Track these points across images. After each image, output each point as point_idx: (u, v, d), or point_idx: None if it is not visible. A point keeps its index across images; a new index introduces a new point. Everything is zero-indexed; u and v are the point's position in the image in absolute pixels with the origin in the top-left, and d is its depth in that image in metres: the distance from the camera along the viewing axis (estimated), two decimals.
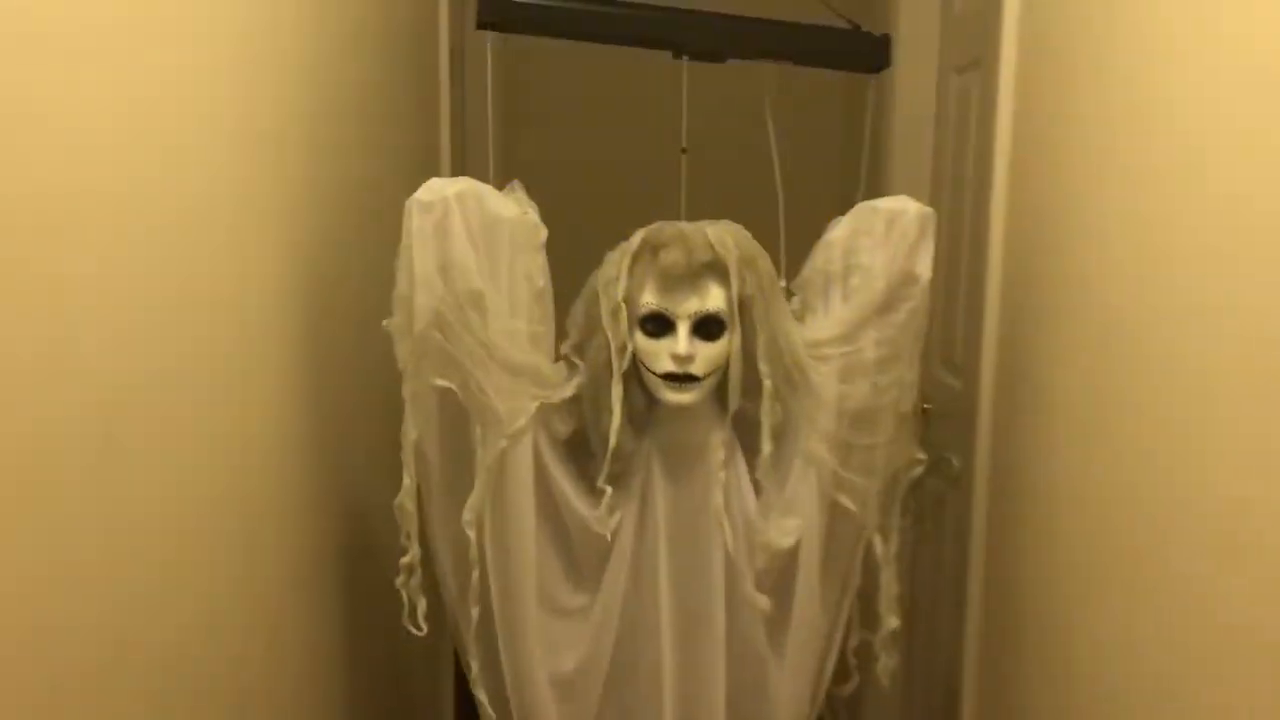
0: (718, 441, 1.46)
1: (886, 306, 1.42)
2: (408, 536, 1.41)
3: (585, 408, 1.44)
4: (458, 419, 1.40)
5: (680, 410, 1.42)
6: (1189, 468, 1.03)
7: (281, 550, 1.28)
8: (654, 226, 1.42)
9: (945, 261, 2.18)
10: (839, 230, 1.46)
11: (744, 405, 1.45)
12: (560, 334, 1.45)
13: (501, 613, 1.43)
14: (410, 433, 1.38)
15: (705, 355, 1.38)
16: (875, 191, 2.49)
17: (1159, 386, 1.11)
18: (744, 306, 1.40)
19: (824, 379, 1.42)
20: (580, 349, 1.44)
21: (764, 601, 1.45)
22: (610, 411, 1.39)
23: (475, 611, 1.41)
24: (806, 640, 1.49)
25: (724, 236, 1.39)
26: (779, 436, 1.45)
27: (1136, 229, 1.17)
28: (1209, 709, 1.00)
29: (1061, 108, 1.44)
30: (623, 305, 1.39)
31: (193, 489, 1.00)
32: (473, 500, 1.38)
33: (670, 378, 1.38)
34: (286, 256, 1.26)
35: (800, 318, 1.49)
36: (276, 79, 1.21)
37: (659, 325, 1.39)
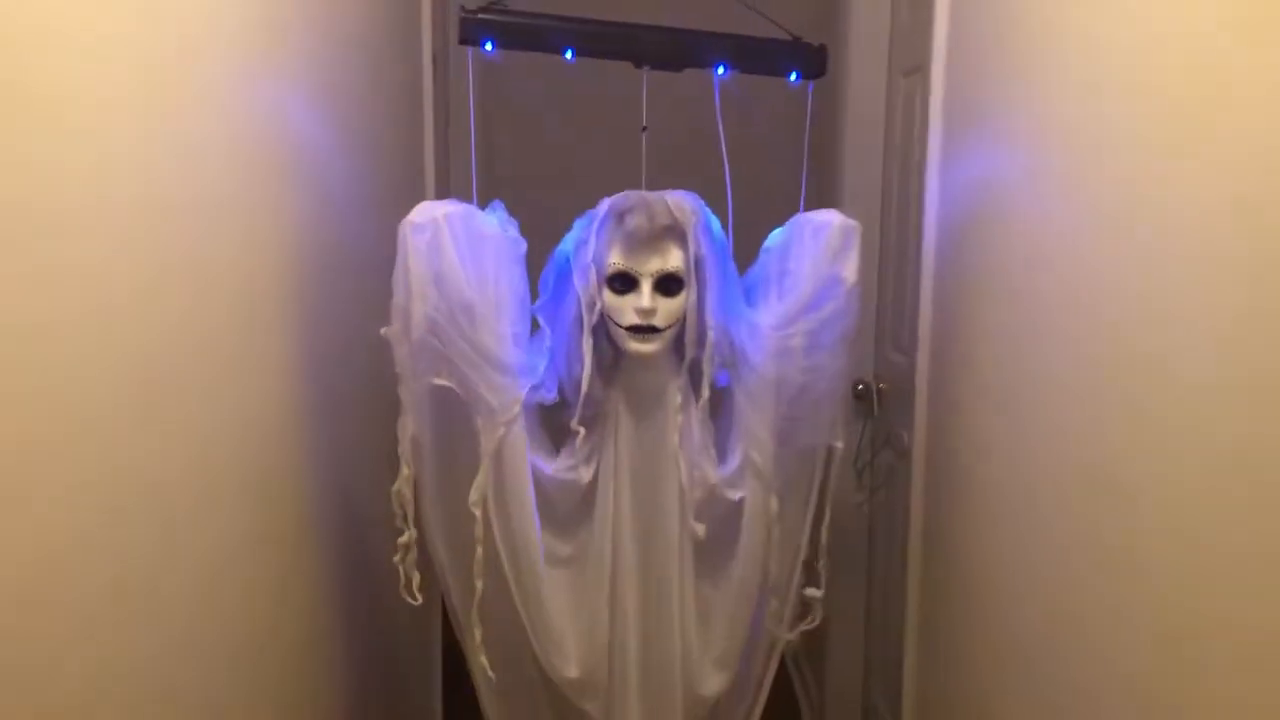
0: (675, 388, 1.63)
1: (814, 304, 1.58)
2: (404, 519, 1.54)
3: (558, 361, 1.59)
4: (448, 414, 1.54)
5: (643, 359, 1.58)
6: (1076, 426, 1.20)
7: (286, 505, 1.42)
8: (619, 195, 1.56)
9: (896, 251, 2.36)
10: (775, 239, 1.63)
11: (697, 357, 1.60)
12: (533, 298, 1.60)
13: (515, 576, 1.57)
14: (408, 428, 1.51)
15: (665, 309, 1.54)
16: (829, 185, 2.67)
17: (1055, 359, 1.26)
18: (698, 265, 1.56)
19: (760, 353, 1.59)
20: (550, 309, 1.59)
21: (700, 530, 1.61)
22: (582, 362, 1.55)
23: (480, 584, 1.55)
24: (747, 571, 1.66)
25: (682, 202, 1.55)
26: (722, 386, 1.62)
27: (1037, 221, 1.33)
28: (1095, 624, 1.17)
29: (981, 111, 1.60)
30: (592, 265, 1.54)
31: (214, 449, 1.16)
32: (478, 481, 1.51)
33: (635, 330, 1.54)
34: (289, 252, 1.40)
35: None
36: (279, 84, 1.35)
37: (624, 283, 1.54)
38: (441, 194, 2.44)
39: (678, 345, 1.61)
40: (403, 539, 1.54)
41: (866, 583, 2.63)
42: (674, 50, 1.58)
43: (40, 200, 0.81)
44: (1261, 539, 0.84)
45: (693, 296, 1.56)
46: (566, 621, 1.63)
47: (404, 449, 1.52)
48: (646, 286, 1.53)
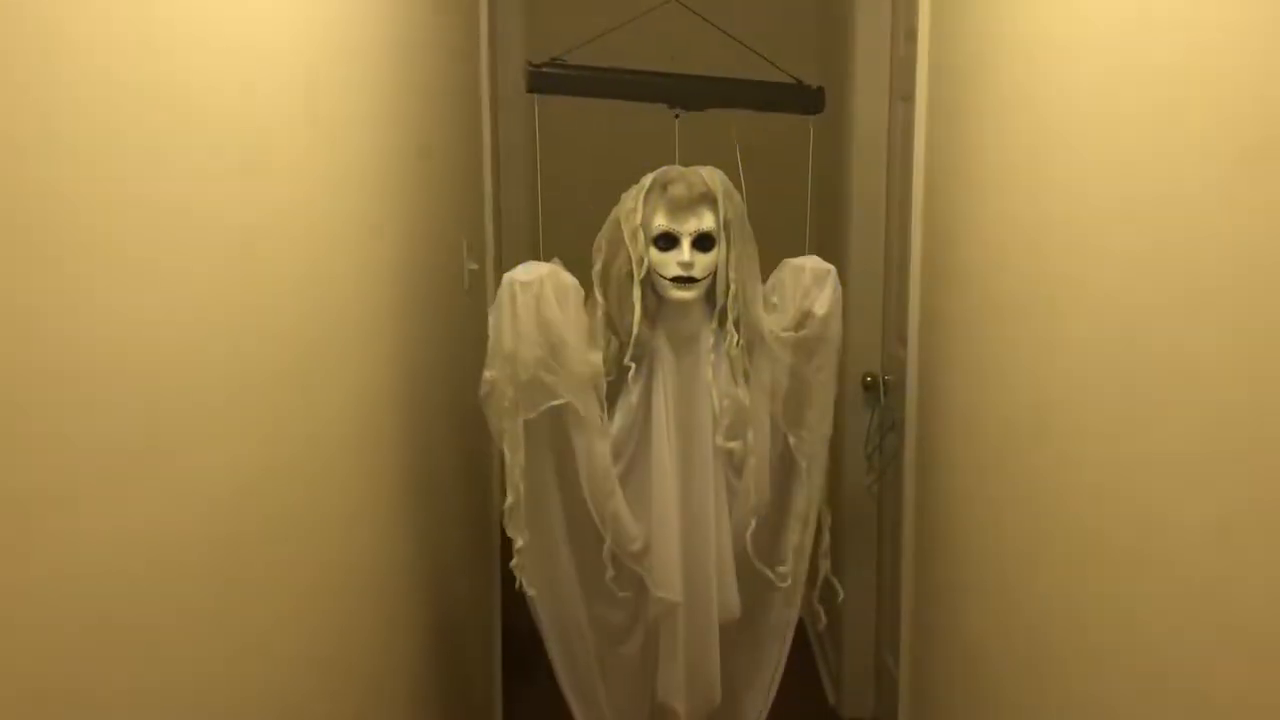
0: (708, 331, 1.98)
1: (796, 328, 1.95)
2: (515, 529, 1.90)
3: (612, 310, 1.92)
4: (539, 437, 1.91)
5: (683, 306, 1.93)
6: (1040, 406, 1.42)
7: (394, 469, 1.75)
8: (661, 169, 1.92)
9: (899, 255, 2.67)
10: (770, 278, 2.00)
11: (726, 304, 1.95)
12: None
13: (598, 509, 1.93)
14: (518, 458, 1.86)
15: (702, 262, 1.89)
16: (840, 200, 2.98)
17: (1021, 348, 1.50)
18: (726, 227, 1.90)
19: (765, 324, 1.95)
20: (605, 270, 1.93)
21: (736, 446, 1.97)
22: (632, 310, 1.89)
23: (608, 537, 1.92)
24: (758, 467, 2.00)
25: (712, 175, 1.91)
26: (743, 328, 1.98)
27: (1006, 227, 1.58)
28: (1047, 564, 1.46)
29: (955, 133, 1.90)
30: (640, 229, 1.88)
31: (352, 413, 1.50)
32: (582, 472, 1.89)
33: (677, 280, 1.89)
34: (391, 269, 1.73)
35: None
36: (379, 132, 1.70)
37: (668, 242, 1.89)
38: (498, 221, 2.80)
39: (709, 296, 1.95)
40: (519, 545, 1.90)
41: (877, 556, 2.93)
42: (698, 94, 1.93)
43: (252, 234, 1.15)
44: (1215, 507, 1.13)
45: (723, 253, 1.90)
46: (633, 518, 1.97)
47: (515, 473, 1.86)
48: (686, 244, 1.87)
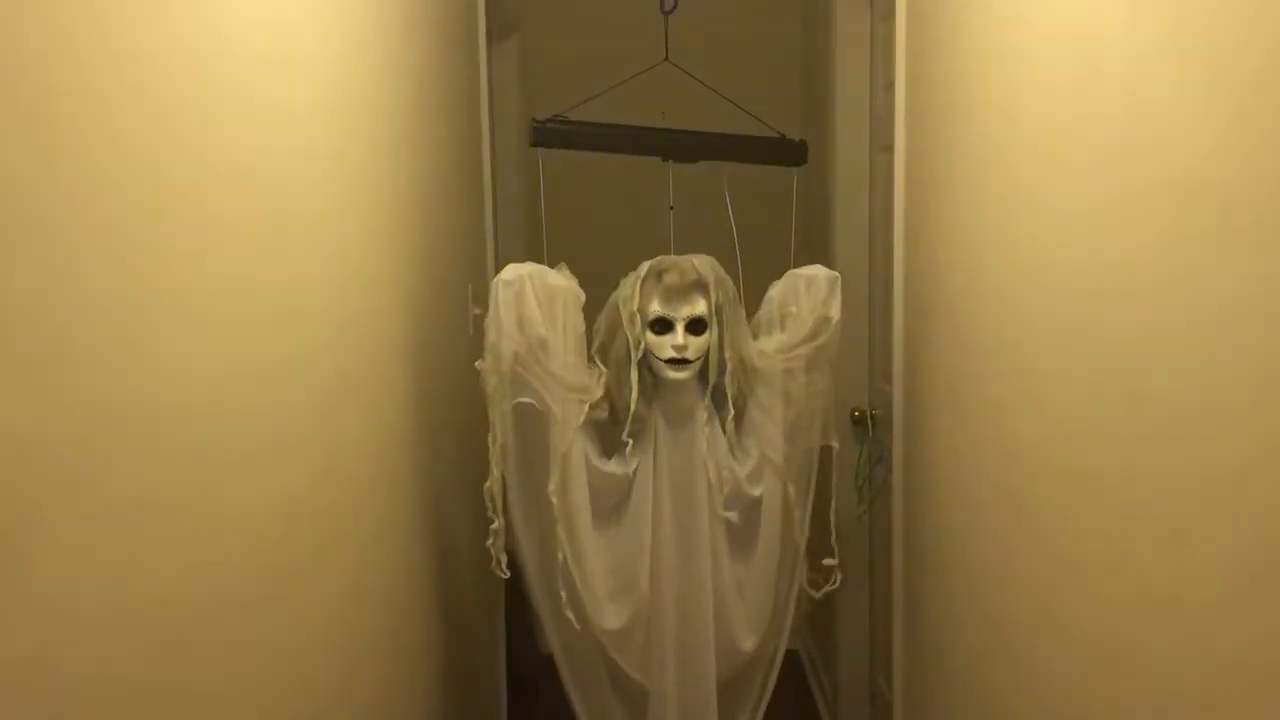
0: (701, 408, 2.11)
1: (812, 336, 2.07)
2: (494, 510, 1.98)
3: (610, 388, 2.04)
4: (524, 430, 2.00)
5: (677, 385, 2.06)
6: (1008, 434, 1.55)
7: (408, 501, 1.86)
8: (656, 259, 2.06)
9: (884, 296, 2.79)
10: (775, 290, 2.13)
11: (719, 383, 2.07)
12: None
13: (570, 545, 2.01)
14: (497, 439, 1.96)
15: (694, 345, 2.02)
16: (822, 244, 3.11)
17: (991, 382, 1.63)
18: (718, 312, 2.03)
19: (768, 364, 2.06)
20: (605, 348, 2.06)
21: (734, 516, 2.09)
22: (630, 388, 2.02)
23: (561, 555, 1.99)
24: (771, 545, 2.12)
25: (704, 264, 2.05)
26: (738, 404, 2.09)
27: (977, 272, 1.69)
28: (1021, 582, 1.57)
29: (932, 181, 2.02)
30: (637, 314, 2.02)
31: (372, 451, 1.60)
32: (555, 478, 1.96)
33: (671, 362, 2.02)
34: (404, 318, 1.85)
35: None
36: (398, 188, 1.82)
37: (663, 326, 2.03)
38: (499, 266, 2.92)
39: (703, 374, 2.08)
40: (494, 526, 1.98)
41: (869, 582, 3.03)
42: (690, 147, 2.06)
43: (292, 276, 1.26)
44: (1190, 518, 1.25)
45: (714, 335, 2.02)
46: (607, 582, 2.06)
47: (494, 456, 1.96)
48: (680, 328, 2.01)
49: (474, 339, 2.47)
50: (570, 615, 2.01)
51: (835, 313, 2.06)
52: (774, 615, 2.18)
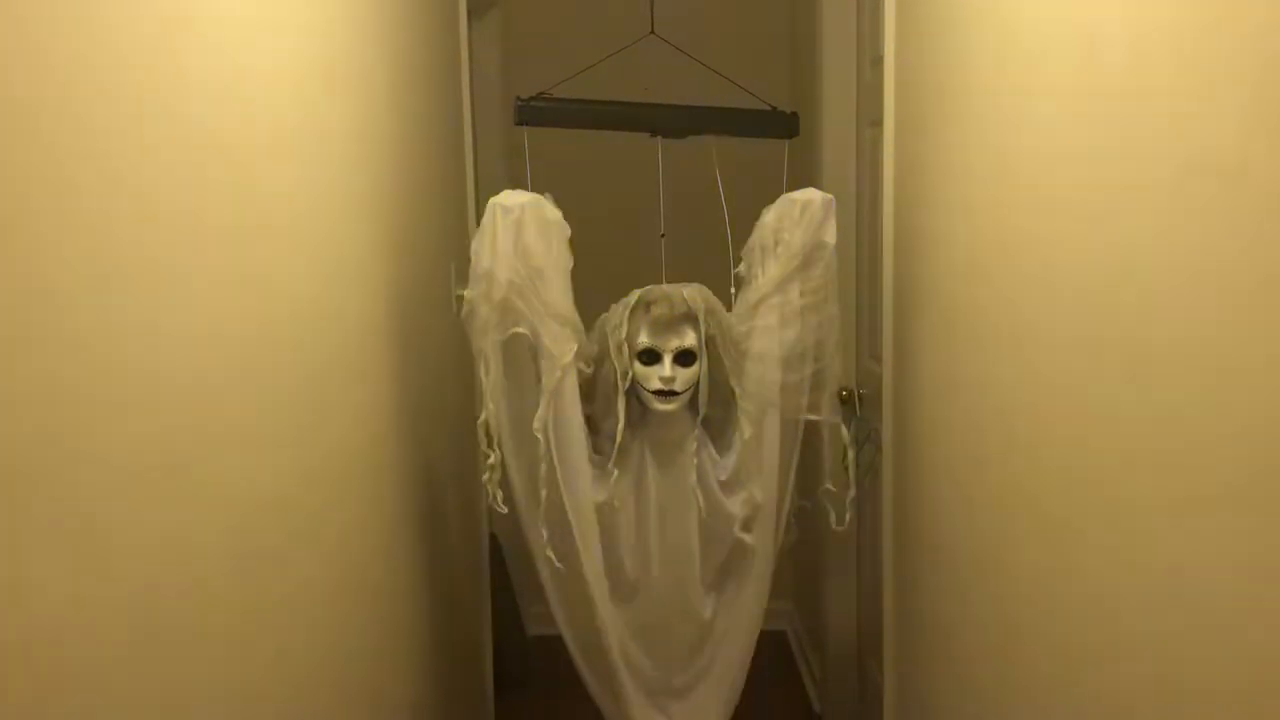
0: (692, 438, 2.07)
1: (806, 265, 2.01)
2: (489, 444, 1.91)
3: (597, 415, 2.01)
4: (519, 363, 1.94)
5: (665, 416, 2.02)
6: (1008, 411, 1.52)
7: (394, 486, 1.82)
8: (645, 289, 2.03)
9: (869, 272, 2.77)
10: (768, 215, 2.05)
11: (708, 414, 2.05)
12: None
13: (564, 479, 1.94)
14: (492, 372, 1.88)
15: (683, 376, 1.99)
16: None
17: (989, 357, 1.60)
18: (708, 342, 2.00)
19: (766, 335, 2.01)
20: (592, 377, 2.02)
21: (748, 537, 2.08)
22: (617, 417, 1.98)
23: (544, 492, 1.92)
24: (762, 568, 2.11)
25: (694, 295, 2.01)
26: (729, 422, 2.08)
27: (973, 245, 1.67)
28: (1021, 563, 1.55)
29: (923, 155, 1.99)
30: (625, 343, 1.98)
31: (357, 434, 1.57)
32: (540, 413, 1.89)
33: (659, 393, 1.99)
34: (388, 297, 1.81)
35: (746, 280, 2.09)
36: (379, 168, 1.77)
37: (651, 357, 1.99)
38: None
39: (692, 403, 2.05)
40: (490, 460, 1.92)
41: (857, 564, 3.02)
42: (677, 122, 2.02)
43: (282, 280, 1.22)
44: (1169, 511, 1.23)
45: (704, 367, 2.00)
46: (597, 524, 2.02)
47: (487, 388, 1.89)
48: (668, 359, 1.98)
49: (456, 319, 2.43)
50: (550, 554, 1.97)
51: (831, 237, 2.01)
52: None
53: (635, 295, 2.02)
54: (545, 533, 1.96)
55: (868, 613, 2.91)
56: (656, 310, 1.98)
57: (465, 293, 1.91)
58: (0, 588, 0.69)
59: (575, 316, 1.95)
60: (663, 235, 2.14)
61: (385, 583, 1.77)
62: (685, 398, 2.01)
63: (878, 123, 2.53)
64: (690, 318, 1.99)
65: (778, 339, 2.02)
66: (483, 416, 1.91)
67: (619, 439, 1.99)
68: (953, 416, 1.79)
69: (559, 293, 1.90)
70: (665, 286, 2.03)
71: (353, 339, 1.60)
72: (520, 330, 1.88)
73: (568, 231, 1.95)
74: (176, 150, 0.97)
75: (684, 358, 1.99)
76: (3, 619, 0.69)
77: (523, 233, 1.85)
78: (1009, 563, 1.53)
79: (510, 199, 1.86)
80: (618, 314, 2.01)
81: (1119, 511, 1.18)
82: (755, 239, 2.08)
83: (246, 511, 1.12)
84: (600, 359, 2.02)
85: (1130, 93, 1.12)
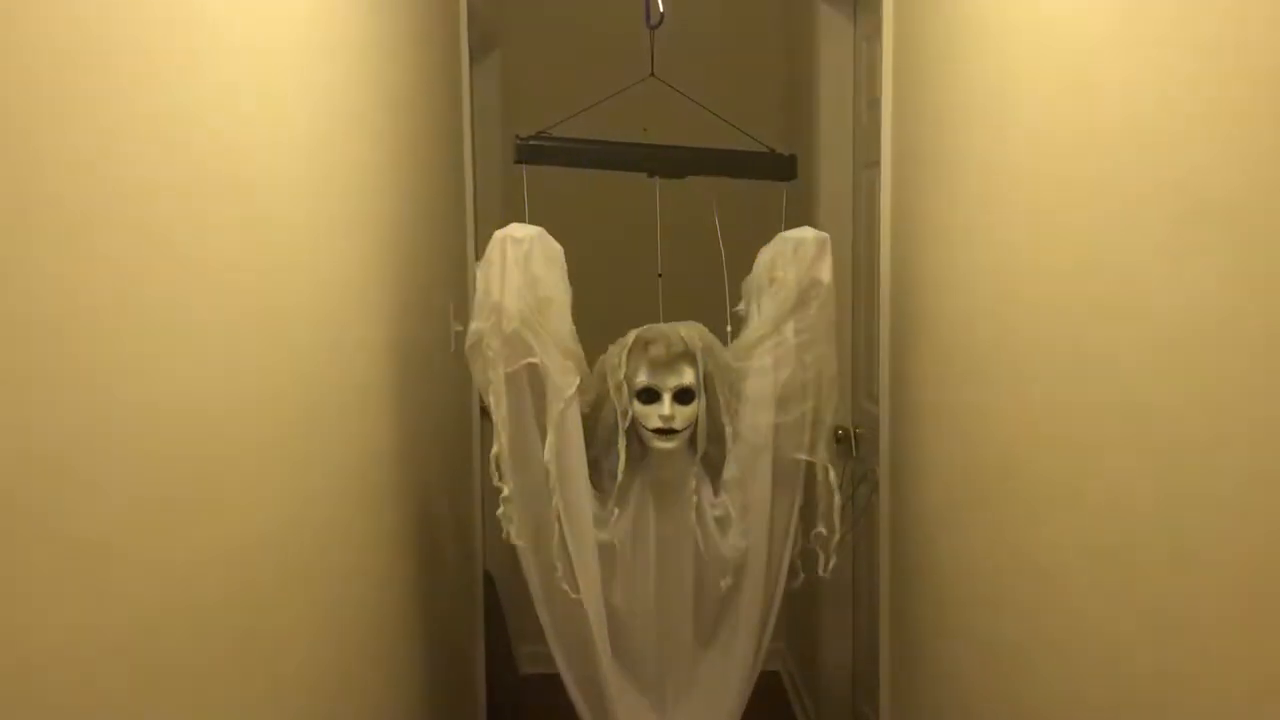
0: (691, 475, 2.07)
1: (801, 304, 2.01)
2: (500, 478, 1.90)
3: (598, 454, 2.01)
4: (520, 396, 1.92)
5: (665, 454, 2.02)
6: (1006, 451, 1.53)
7: (391, 524, 1.82)
8: (643, 329, 2.03)
9: (866, 312, 2.79)
10: (763, 254, 2.07)
11: (708, 451, 2.05)
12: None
13: (566, 513, 1.94)
14: (502, 404, 1.88)
15: (682, 415, 1.99)
16: None
17: (987, 398, 1.61)
18: (707, 380, 2.01)
19: (760, 377, 2.02)
20: (593, 416, 2.02)
21: (725, 581, 2.07)
22: (618, 456, 1.99)
23: (557, 527, 1.92)
24: (751, 614, 2.09)
25: (692, 334, 2.02)
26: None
27: (971, 287, 1.68)
28: (1015, 603, 1.55)
29: (920, 197, 2.01)
30: (624, 383, 1.99)
31: (353, 471, 1.57)
32: (550, 441, 1.90)
33: (659, 432, 1.99)
34: (385, 335, 1.81)
35: (745, 318, 2.11)
36: (383, 203, 1.79)
37: (649, 396, 2.00)
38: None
39: (692, 441, 2.05)
40: (504, 494, 1.91)
41: (852, 605, 3.00)
42: (677, 163, 2.04)
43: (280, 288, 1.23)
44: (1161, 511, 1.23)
45: (703, 405, 2.01)
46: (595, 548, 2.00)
47: (499, 421, 1.89)
48: (667, 398, 1.98)
49: (456, 354, 2.44)
50: (566, 587, 1.96)
51: (826, 275, 2.01)
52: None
53: (633, 335, 2.03)
54: (560, 566, 1.95)
55: (863, 654, 2.89)
56: (654, 350, 1.99)
57: (470, 325, 1.91)
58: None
59: (579, 348, 1.96)
60: (660, 275, 2.16)
61: (380, 616, 1.75)
62: (685, 436, 2.02)
63: (874, 164, 2.56)
64: (688, 356, 2.00)
65: (772, 380, 2.02)
66: (495, 449, 1.91)
67: (620, 478, 1.99)
68: (950, 454, 1.80)
69: (564, 323, 1.92)
70: (663, 326, 2.04)
71: (355, 372, 1.61)
72: (533, 361, 1.89)
73: (565, 263, 1.97)
74: (185, 183, 0.98)
75: (683, 396, 2.00)
76: (2, 650, 0.69)
77: (531, 264, 1.86)
78: (1006, 602, 1.53)
79: (520, 231, 1.88)
80: (616, 354, 2.02)
81: (1116, 553, 1.18)
82: (752, 278, 2.10)
83: (245, 544, 1.12)
84: (600, 400, 2.02)
85: (1126, 132, 1.14)
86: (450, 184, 2.50)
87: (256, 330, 1.17)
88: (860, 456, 2.84)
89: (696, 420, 2.01)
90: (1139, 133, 1.11)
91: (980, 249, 1.62)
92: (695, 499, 2.06)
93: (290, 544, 1.28)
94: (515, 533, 1.95)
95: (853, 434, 2.90)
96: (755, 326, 2.05)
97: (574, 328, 1.95)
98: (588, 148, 2.01)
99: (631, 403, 1.99)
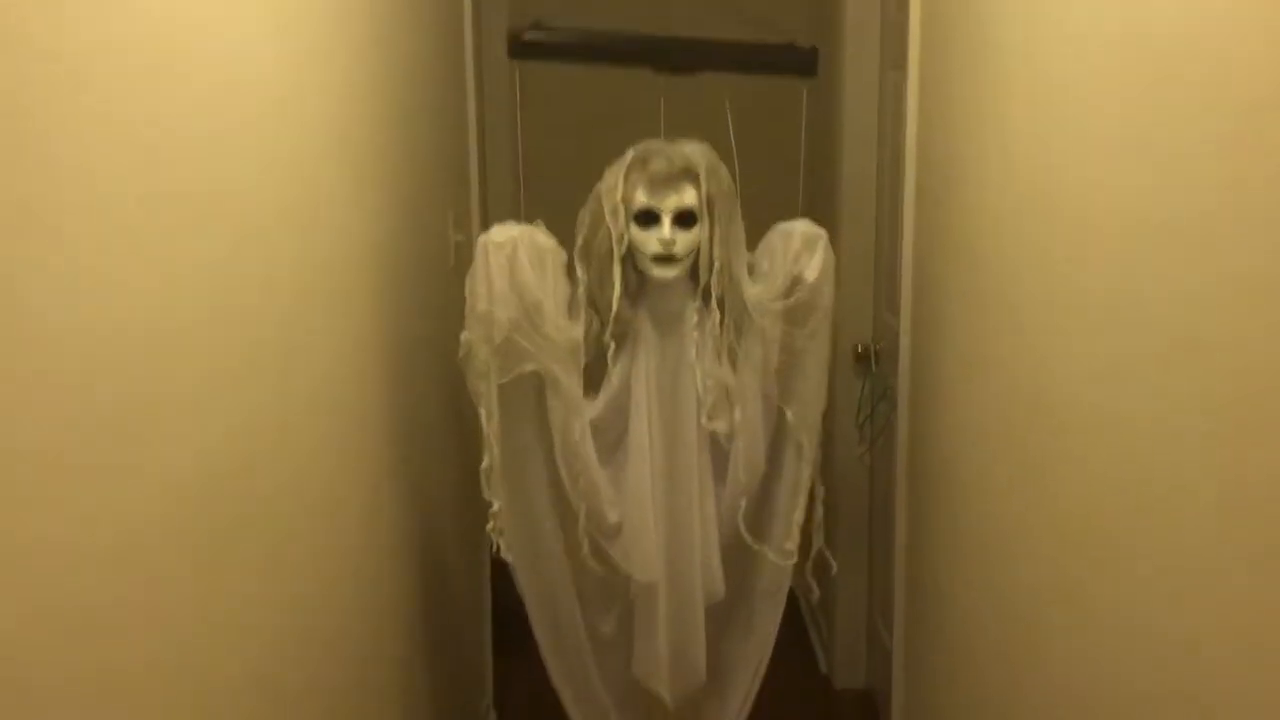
0: (692, 309, 1.92)
1: (785, 294, 1.88)
2: (490, 492, 1.84)
3: (593, 287, 1.87)
4: (517, 399, 1.86)
5: (665, 284, 1.88)
6: (1040, 372, 1.41)
7: (381, 449, 1.72)
8: (642, 144, 1.86)
9: (889, 221, 2.65)
10: (760, 244, 1.94)
11: (710, 282, 1.88)
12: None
13: (589, 500, 1.89)
14: (494, 416, 1.81)
15: (683, 240, 1.83)
16: (829, 169, 2.95)
17: (1022, 314, 1.48)
18: (710, 204, 1.84)
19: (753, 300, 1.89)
20: (586, 247, 1.87)
21: (722, 425, 1.92)
22: (612, 287, 1.84)
23: (581, 512, 1.87)
24: (747, 447, 1.94)
25: (696, 150, 1.85)
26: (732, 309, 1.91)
27: (1006, 191, 1.57)
28: (1041, 532, 1.45)
29: (950, 97, 1.87)
30: (621, 205, 1.83)
31: (334, 396, 1.47)
32: (559, 442, 1.84)
33: (658, 259, 1.84)
34: (370, 244, 1.70)
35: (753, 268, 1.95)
36: (359, 102, 1.65)
37: (648, 219, 1.83)
38: (484, 193, 2.75)
39: (693, 273, 1.90)
40: (493, 509, 1.85)
41: (869, 525, 2.92)
42: (687, 56, 1.88)
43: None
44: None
45: (706, 230, 1.85)
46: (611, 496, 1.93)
47: (490, 434, 1.82)
48: (667, 221, 1.82)
49: (456, 270, 2.33)
50: (594, 565, 1.92)
51: (809, 274, 1.86)
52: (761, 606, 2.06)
53: (631, 153, 1.86)
54: (586, 545, 1.90)
55: (879, 574, 2.82)
56: (655, 165, 1.81)
57: (461, 335, 1.81)
58: None
59: (577, 338, 1.85)
60: (661, 72, 1.96)
61: (370, 551, 1.68)
62: (686, 263, 1.86)
63: (901, 66, 2.41)
64: (691, 175, 1.83)
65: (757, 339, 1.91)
66: (485, 463, 1.83)
67: (614, 309, 1.85)
68: (974, 375, 1.69)
69: (559, 324, 1.81)
70: (663, 141, 1.86)
71: (325, 296, 1.51)
72: (533, 368, 1.81)
73: (563, 257, 1.85)
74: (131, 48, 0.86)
75: (684, 219, 1.83)
76: None
77: (517, 269, 1.76)
78: (1027, 534, 1.44)
79: (501, 234, 1.77)
80: (612, 174, 1.86)
81: (1147, 493, 1.07)
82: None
83: (194, 484, 1.03)
84: (595, 225, 1.87)
85: (1184, 25, 0.99)
86: (447, 80, 2.34)
87: (221, 225, 1.06)
88: (880, 373, 2.72)
89: (698, 248, 1.86)
90: (1199, 31, 0.97)
91: (1016, 155, 1.49)
92: (696, 335, 1.92)
93: (261, 473, 1.20)
94: (506, 546, 1.88)
95: (872, 349, 2.78)
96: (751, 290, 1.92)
97: (570, 320, 1.84)
98: (587, 40, 1.85)
99: (628, 227, 1.84)
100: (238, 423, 1.13)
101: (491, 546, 1.89)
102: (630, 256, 1.87)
